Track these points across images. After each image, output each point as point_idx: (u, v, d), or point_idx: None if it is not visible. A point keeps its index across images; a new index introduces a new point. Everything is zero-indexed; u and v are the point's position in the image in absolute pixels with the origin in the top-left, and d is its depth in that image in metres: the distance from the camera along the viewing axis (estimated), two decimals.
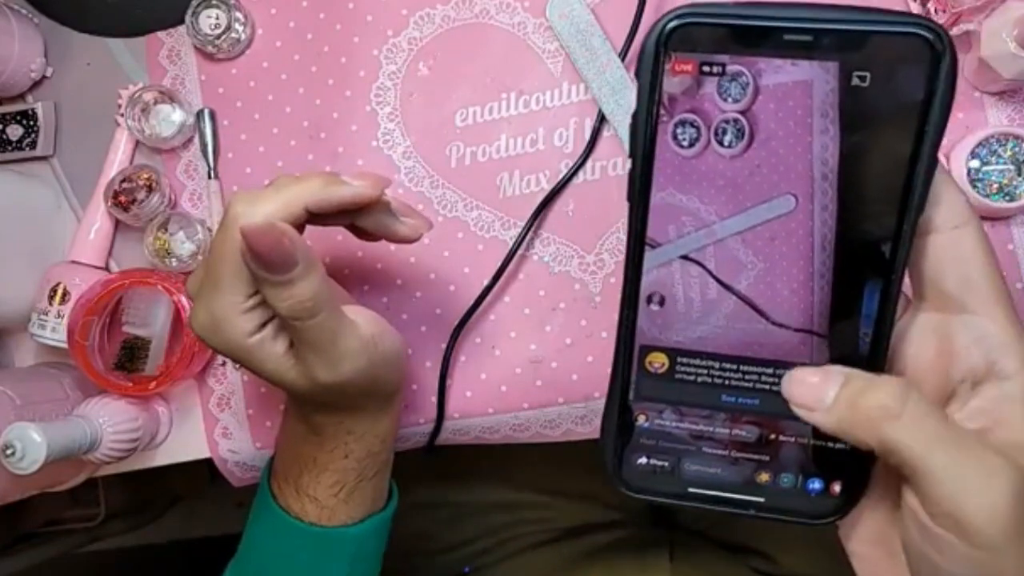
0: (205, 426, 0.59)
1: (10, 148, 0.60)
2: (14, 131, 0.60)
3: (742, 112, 0.29)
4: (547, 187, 0.55)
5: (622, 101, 0.53)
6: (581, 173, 0.55)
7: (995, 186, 0.49)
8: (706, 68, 0.29)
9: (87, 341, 0.55)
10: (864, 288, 0.30)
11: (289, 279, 0.38)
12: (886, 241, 0.29)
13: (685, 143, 0.30)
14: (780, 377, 0.31)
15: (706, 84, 0.29)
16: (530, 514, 0.75)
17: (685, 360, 0.32)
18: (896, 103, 0.28)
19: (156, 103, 0.57)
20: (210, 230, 0.58)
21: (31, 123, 0.59)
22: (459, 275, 0.56)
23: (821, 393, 0.28)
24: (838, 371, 0.29)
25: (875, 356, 0.30)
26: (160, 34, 0.59)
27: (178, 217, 0.57)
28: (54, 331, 0.56)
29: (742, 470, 0.32)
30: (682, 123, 0.30)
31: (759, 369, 0.31)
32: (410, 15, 0.56)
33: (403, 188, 0.56)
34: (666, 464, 0.33)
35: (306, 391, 0.42)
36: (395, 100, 0.57)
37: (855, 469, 0.31)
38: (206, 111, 0.58)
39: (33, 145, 0.59)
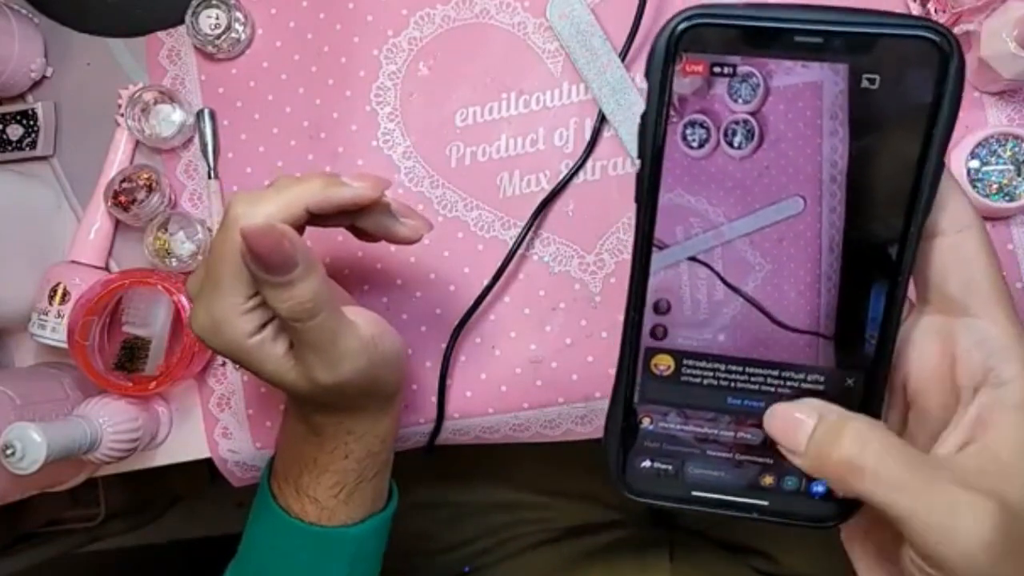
0: (205, 426, 0.59)
1: (10, 148, 0.60)
2: (14, 131, 0.60)
3: (752, 113, 0.29)
4: (547, 187, 0.55)
5: (622, 101, 0.53)
6: (581, 173, 0.55)
7: (995, 186, 0.49)
8: (717, 69, 0.29)
9: (87, 341, 0.55)
10: (870, 290, 0.30)
11: (289, 280, 0.38)
12: (893, 243, 0.29)
13: (694, 144, 0.30)
14: (786, 380, 0.31)
15: (716, 85, 0.29)
16: (530, 514, 0.75)
17: (691, 362, 0.32)
18: (904, 106, 0.28)
19: (156, 103, 0.57)
20: (210, 230, 0.58)
21: (31, 123, 0.59)
22: (459, 275, 0.56)
23: (796, 435, 0.29)
24: (812, 411, 0.29)
25: (880, 359, 0.30)
26: (160, 34, 0.59)
27: (178, 217, 0.57)
28: (54, 331, 0.56)
29: (746, 473, 0.32)
30: (692, 124, 0.30)
31: (765, 371, 0.31)
32: (410, 15, 0.56)
33: (403, 188, 0.56)
34: (670, 467, 0.32)
35: (306, 392, 0.42)
36: (395, 100, 0.57)
37: None
38: (206, 111, 0.58)
39: (33, 145, 0.59)
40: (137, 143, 0.59)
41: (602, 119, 0.54)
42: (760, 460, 0.32)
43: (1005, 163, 0.49)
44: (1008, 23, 0.46)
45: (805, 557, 0.69)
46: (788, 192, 0.30)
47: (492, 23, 0.56)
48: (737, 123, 0.30)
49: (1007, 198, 0.49)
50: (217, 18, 0.56)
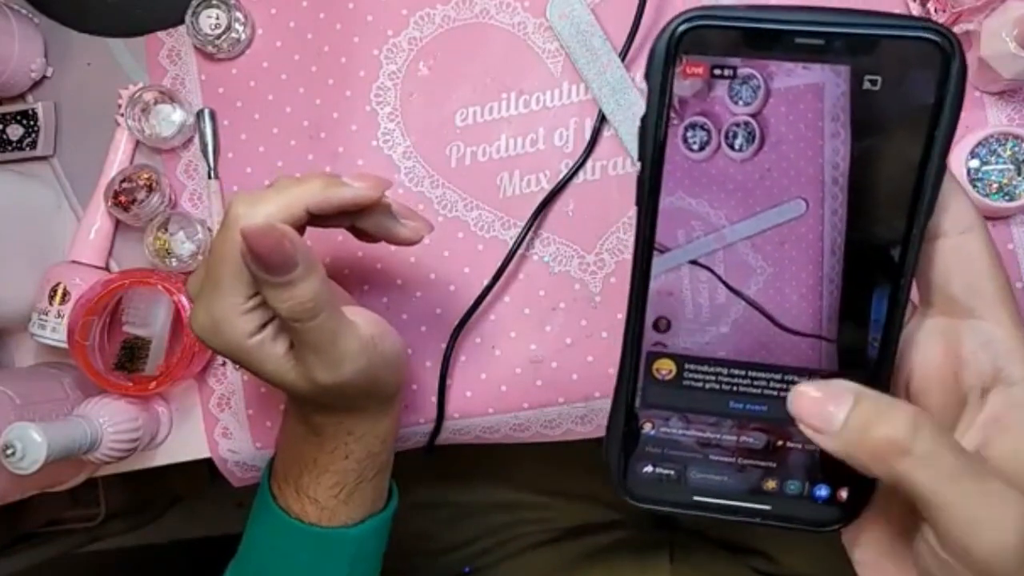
0: (205, 426, 0.59)
1: (10, 148, 0.60)
2: (14, 131, 0.60)
3: (753, 115, 0.29)
4: (547, 187, 0.55)
5: (622, 101, 0.53)
6: (581, 173, 0.55)
7: (995, 186, 0.49)
8: (717, 71, 0.29)
9: (87, 341, 0.55)
10: (873, 293, 0.30)
11: (289, 280, 0.38)
12: (895, 245, 0.29)
13: (695, 146, 0.30)
14: (789, 383, 0.31)
15: (717, 87, 0.29)
16: (530, 514, 0.75)
17: (693, 366, 0.32)
18: (906, 107, 0.28)
19: (156, 103, 0.57)
20: (210, 230, 0.58)
21: (31, 123, 0.59)
22: (459, 275, 0.56)
23: (829, 414, 0.27)
24: (848, 390, 0.28)
25: (883, 361, 0.30)
26: (160, 34, 0.59)
27: (178, 217, 0.57)
28: (54, 331, 0.56)
29: (748, 478, 0.32)
30: (692, 126, 0.30)
31: (767, 375, 0.31)
32: (410, 15, 0.56)
33: (403, 188, 0.56)
34: (672, 472, 0.32)
35: (306, 392, 0.42)
36: (395, 100, 0.57)
37: (862, 476, 0.31)
38: (206, 111, 0.58)
39: (33, 145, 0.59)
40: (137, 143, 0.59)
41: (602, 119, 0.54)
42: (763, 464, 0.32)
43: (1005, 163, 0.49)
44: (1008, 23, 0.46)
45: (805, 557, 0.69)
46: (790, 194, 0.30)
47: (492, 23, 0.56)
48: (738, 125, 0.29)
49: (1007, 198, 0.49)
50: (217, 18, 0.56)
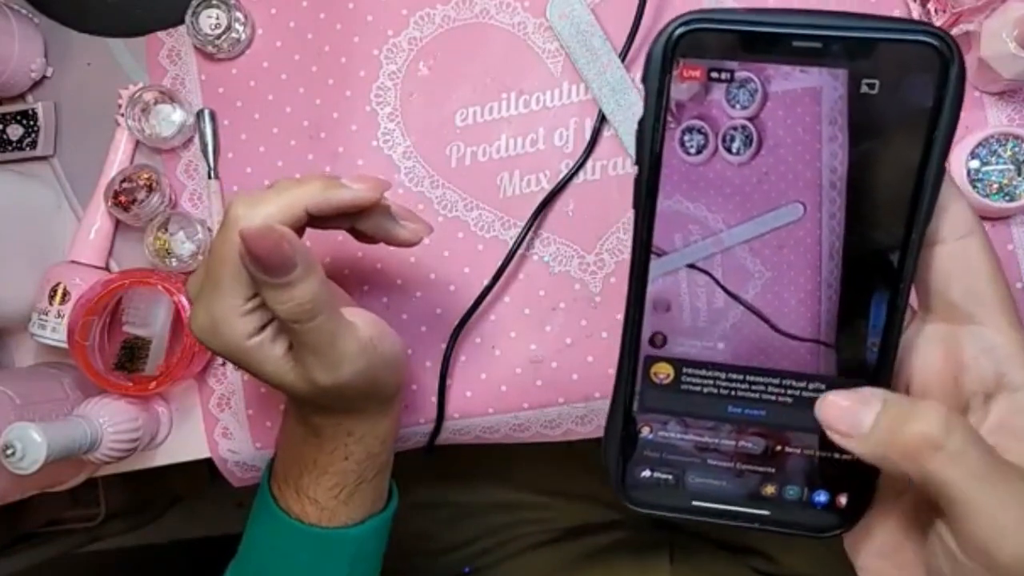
0: (205, 426, 0.59)
1: (10, 148, 0.60)
2: (14, 131, 0.60)
3: (750, 119, 0.29)
4: (547, 187, 0.55)
5: (622, 101, 0.53)
6: (581, 173, 0.55)
7: (995, 186, 0.49)
8: (714, 74, 0.29)
9: (87, 341, 0.55)
10: (872, 298, 0.30)
11: (288, 282, 0.38)
12: (894, 250, 0.29)
13: (692, 150, 0.30)
14: (787, 388, 0.31)
15: (714, 90, 0.29)
16: (530, 514, 0.75)
17: (691, 371, 0.32)
18: (905, 111, 0.28)
19: (156, 103, 0.57)
20: (210, 230, 0.58)
21: (31, 123, 0.59)
22: (459, 275, 0.56)
23: (858, 418, 0.28)
24: (876, 395, 0.28)
25: (882, 367, 0.30)
26: (160, 34, 0.59)
27: (178, 217, 0.57)
28: (54, 331, 0.56)
29: (747, 483, 0.32)
30: (689, 130, 0.29)
31: (766, 380, 0.31)
32: (410, 15, 0.56)
33: (403, 188, 0.56)
34: (670, 477, 0.32)
35: (305, 393, 0.42)
36: (395, 100, 0.57)
37: (862, 480, 0.31)
38: (206, 111, 0.58)
39: (33, 145, 0.59)
40: (137, 143, 0.59)
41: (602, 119, 0.54)
42: (762, 469, 0.32)
43: (1005, 163, 0.49)
44: (1008, 23, 0.46)
45: (805, 557, 0.69)
46: (787, 198, 0.30)
47: (492, 23, 0.56)
48: (735, 129, 0.29)
49: (1007, 198, 0.49)
50: (217, 18, 0.56)
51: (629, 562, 0.70)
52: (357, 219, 0.44)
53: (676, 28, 0.28)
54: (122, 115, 0.58)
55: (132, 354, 0.57)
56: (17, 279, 0.58)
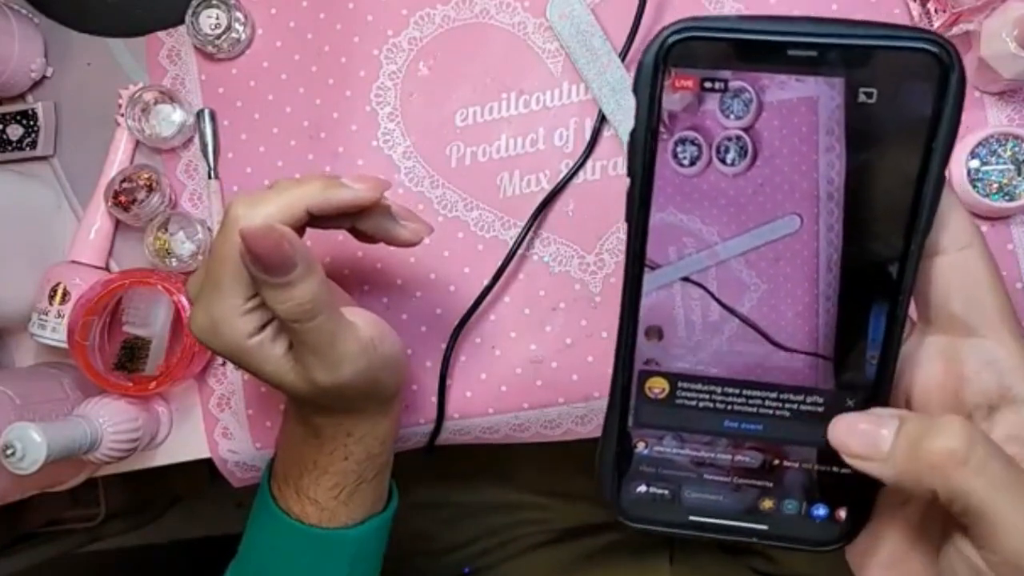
0: (205, 426, 0.59)
1: (10, 148, 0.60)
2: (14, 131, 0.60)
3: (745, 129, 0.29)
4: (547, 187, 0.55)
5: (623, 101, 0.53)
6: (581, 173, 0.55)
7: (995, 186, 0.49)
8: (708, 84, 0.28)
9: (87, 341, 0.55)
10: (870, 310, 0.29)
11: (288, 281, 0.38)
12: (893, 262, 0.28)
13: (686, 161, 0.29)
14: (784, 401, 0.30)
15: (708, 100, 0.28)
16: (530, 515, 0.75)
17: (686, 385, 0.31)
18: (903, 120, 0.27)
19: (156, 103, 0.57)
20: (210, 230, 0.58)
21: (31, 123, 0.59)
22: (459, 275, 0.56)
23: (875, 440, 0.27)
24: (890, 414, 0.28)
25: (881, 380, 0.29)
26: (160, 34, 0.59)
27: (178, 217, 0.57)
28: (54, 331, 0.56)
29: (745, 497, 0.31)
30: (682, 141, 0.29)
31: (763, 393, 0.31)
32: (410, 15, 0.56)
33: (403, 188, 0.56)
34: (666, 492, 0.32)
35: (305, 393, 0.42)
36: (395, 100, 0.57)
37: (861, 494, 0.31)
38: (206, 111, 0.58)
39: (33, 145, 0.59)
40: (137, 143, 0.59)
41: (602, 119, 0.54)
42: (759, 483, 0.31)
43: (1005, 163, 0.49)
44: (1008, 23, 0.46)
45: (805, 558, 0.68)
46: (784, 210, 0.29)
47: (492, 23, 0.56)
48: (730, 139, 0.29)
49: (1007, 198, 0.49)
50: (217, 18, 0.56)
51: (629, 563, 0.70)
52: (357, 219, 0.44)
53: (668, 37, 0.27)
54: (122, 115, 0.58)
55: (132, 354, 0.57)
56: (17, 279, 0.58)
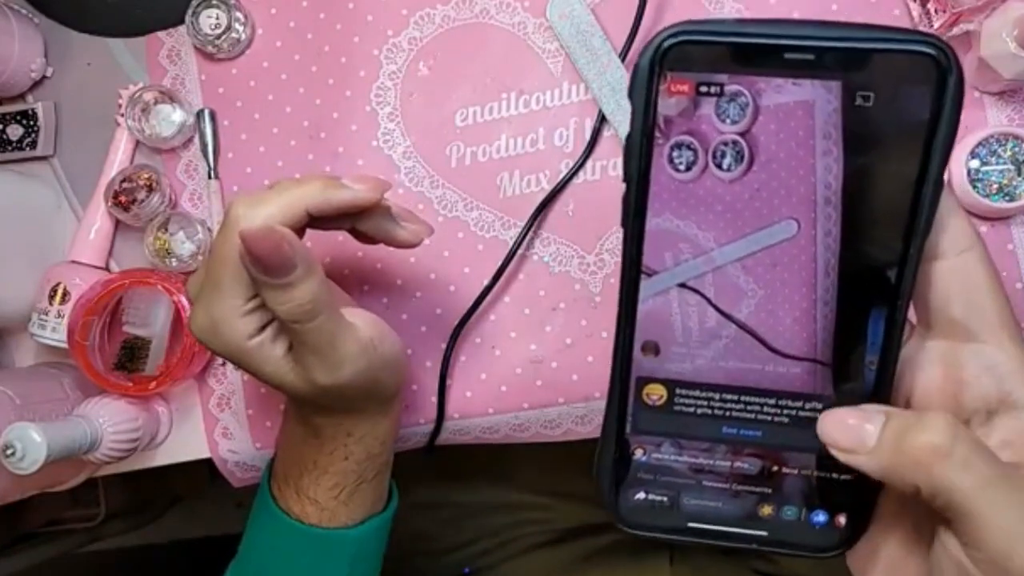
0: (205, 426, 0.59)
1: (10, 148, 0.60)
2: (14, 131, 0.60)
3: (741, 134, 0.28)
4: (547, 187, 0.55)
5: (623, 101, 0.53)
6: (581, 173, 0.55)
7: (995, 186, 0.49)
8: (704, 88, 0.28)
9: (87, 341, 0.55)
10: (869, 315, 0.29)
11: (288, 282, 0.38)
12: (891, 266, 0.28)
13: (682, 166, 0.29)
14: (783, 408, 0.30)
15: (703, 105, 0.28)
16: (531, 515, 0.75)
17: (684, 392, 0.31)
18: (901, 123, 0.27)
19: (156, 103, 0.57)
20: (210, 230, 0.58)
21: (31, 123, 0.59)
22: (459, 275, 0.56)
23: (861, 433, 0.27)
24: (877, 409, 0.28)
25: (880, 385, 0.29)
26: (160, 34, 0.59)
27: (178, 217, 0.57)
28: (54, 331, 0.56)
29: (744, 503, 0.31)
30: (678, 146, 0.29)
31: (761, 400, 0.30)
32: (410, 15, 0.56)
33: (403, 188, 0.56)
34: (665, 499, 0.32)
35: (305, 393, 0.42)
36: (395, 100, 0.57)
37: (860, 500, 0.31)
38: (206, 111, 0.58)
39: (33, 145, 0.59)
40: (137, 143, 0.59)
41: (602, 119, 0.54)
42: (758, 490, 0.31)
43: (1005, 163, 0.49)
44: (1008, 23, 0.46)
45: (805, 560, 0.68)
46: (781, 215, 0.29)
47: (492, 23, 0.56)
48: (726, 144, 0.28)
49: (1007, 198, 0.49)
50: (217, 18, 0.56)
51: (629, 563, 0.70)
52: (358, 220, 0.44)
53: (663, 40, 0.27)
54: (122, 115, 0.58)
55: (132, 354, 0.57)
56: (17, 279, 0.58)
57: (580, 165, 0.54)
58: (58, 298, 0.57)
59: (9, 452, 0.47)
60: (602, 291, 0.55)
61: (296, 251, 0.38)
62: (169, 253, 0.57)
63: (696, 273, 0.30)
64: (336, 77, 0.57)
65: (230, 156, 0.58)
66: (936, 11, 0.49)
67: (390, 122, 0.57)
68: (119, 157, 0.59)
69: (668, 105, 0.28)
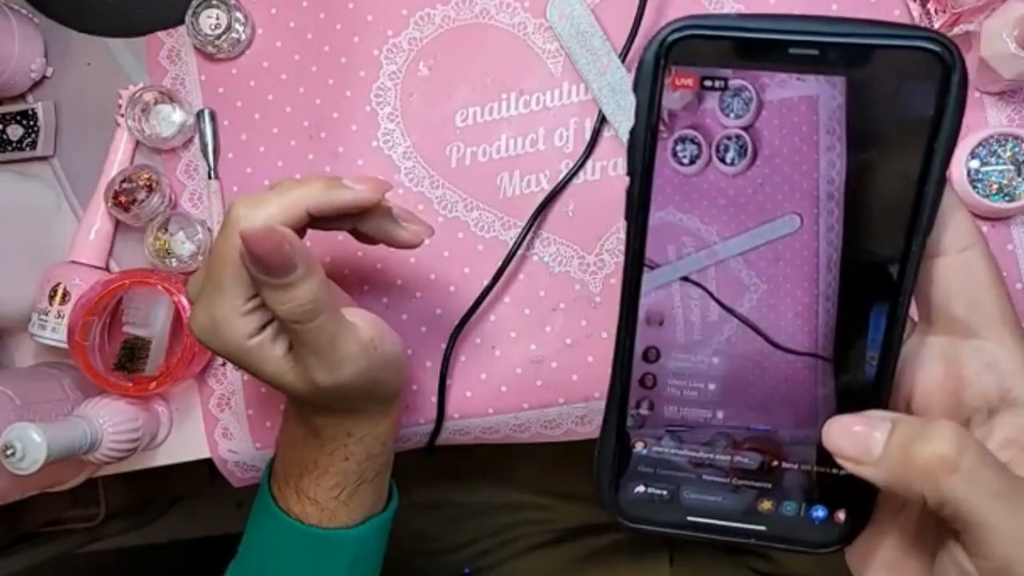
0: (205, 426, 0.59)
1: (10, 148, 0.60)
2: (14, 131, 0.60)
3: (745, 128, 0.28)
4: (547, 187, 0.55)
5: (623, 102, 0.53)
6: (581, 173, 0.55)
7: (995, 186, 0.49)
8: (708, 82, 0.28)
9: (87, 341, 0.55)
10: (870, 311, 0.29)
11: (288, 282, 0.38)
12: (893, 262, 0.28)
13: (685, 160, 0.29)
14: (783, 404, 0.30)
15: (707, 99, 0.28)
16: (531, 515, 0.75)
17: (686, 384, 0.31)
18: (904, 119, 0.27)
19: (156, 103, 0.57)
20: (210, 230, 0.58)
21: (31, 123, 0.59)
22: (459, 275, 0.56)
23: (867, 442, 0.27)
24: (883, 416, 0.28)
25: (881, 381, 0.29)
26: (160, 34, 0.59)
27: (178, 217, 0.57)
28: (54, 331, 0.56)
29: (743, 498, 0.31)
30: (682, 139, 0.29)
31: (762, 395, 0.30)
32: (410, 15, 0.56)
33: (403, 188, 0.56)
34: (665, 493, 0.32)
35: (305, 393, 0.42)
36: (395, 100, 0.57)
37: (860, 496, 0.31)
38: (206, 111, 0.58)
39: (33, 145, 0.59)
40: (137, 143, 0.59)
41: (602, 119, 0.54)
42: (758, 484, 0.31)
43: (1005, 163, 0.49)
44: (1008, 23, 0.46)
45: (804, 559, 0.68)
46: (783, 210, 0.29)
47: (492, 23, 0.56)
48: (729, 139, 0.29)
49: (1007, 198, 0.49)
50: (217, 18, 0.56)
51: (629, 563, 0.70)
52: (358, 220, 0.44)
53: (668, 35, 0.27)
54: (122, 115, 0.58)
55: (132, 354, 0.57)
56: (17, 279, 0.58)
57: (580, 165, 0.54)
58: (58, 298, 0.57)
59: (9, 452, 0.47)
60: (602, 291, 0.55)
61: (296, 251, 0.38)
62: (169, 253, 0.57)
63: (699, 267, 0.30)
64: (336, 77, 0.57)
65: (230, 156, 0.58)
66: (936, 11, 0.49)
67: (390, 122, 0.57)
68: (119, 157, 0.59)
69: (672, 99, 0.28)
